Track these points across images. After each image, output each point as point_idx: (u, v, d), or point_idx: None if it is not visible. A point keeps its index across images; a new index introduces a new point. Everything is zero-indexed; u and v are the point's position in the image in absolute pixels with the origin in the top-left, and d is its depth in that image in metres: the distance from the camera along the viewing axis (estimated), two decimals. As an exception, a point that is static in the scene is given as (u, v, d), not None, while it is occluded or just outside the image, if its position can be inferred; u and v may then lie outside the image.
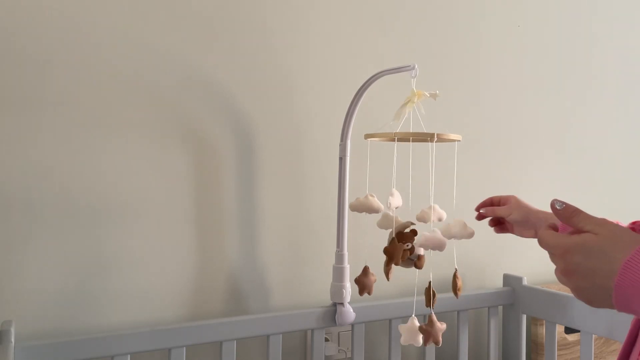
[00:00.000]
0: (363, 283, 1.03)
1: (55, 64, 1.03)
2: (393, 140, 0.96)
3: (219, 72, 1.17)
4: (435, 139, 0.92)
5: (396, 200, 0.96)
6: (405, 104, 0.95)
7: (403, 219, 0.98)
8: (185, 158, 1.14)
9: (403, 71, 0.99)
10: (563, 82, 1.60)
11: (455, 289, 0.97)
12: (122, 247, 1.09)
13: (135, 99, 1.10)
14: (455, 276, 0.97)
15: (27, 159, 1.01)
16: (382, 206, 0.99)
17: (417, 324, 0.98)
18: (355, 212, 0.99)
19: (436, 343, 0.96)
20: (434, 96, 0.94)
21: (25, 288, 1.02)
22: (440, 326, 0.97)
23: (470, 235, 0.94)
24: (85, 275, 1.06)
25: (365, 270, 1.04)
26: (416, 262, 0.99)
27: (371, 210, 0.97)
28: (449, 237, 0.93)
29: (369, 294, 1.04)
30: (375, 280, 1.04)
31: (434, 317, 0.97)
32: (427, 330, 0.96)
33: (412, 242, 0.96)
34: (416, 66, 0.97)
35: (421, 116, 0.96)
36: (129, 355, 1.00)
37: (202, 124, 1.16)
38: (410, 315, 1.00)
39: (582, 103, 1.64)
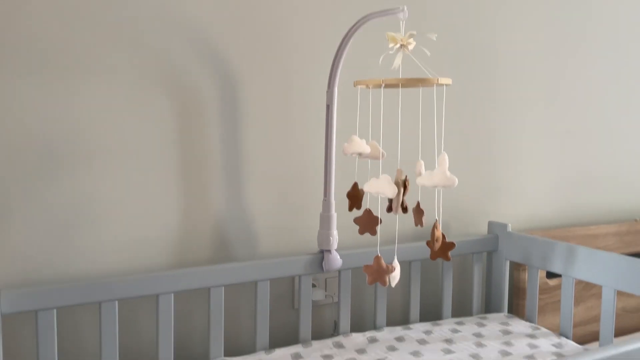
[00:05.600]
0: (364, 222, 1.02)
1: (35, 5, 0.99)
2: (381, 86, 0.94)
3: (202, 16, 1.13)
4: (424, 84, 0.90)
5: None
6: (395, 54, 0.92)
7: (393, 167, 0.98)
8: (169, 105, 1.12)
9: (392, 14, 0.96)
10: (556, 32, 1.58)
11: (433, 240, 0.96)
12: (107, 195, 1.08)
13: (118, 43, 1.06)
14: (434, 227, 0.97)
15: (5, 105, 0.99)
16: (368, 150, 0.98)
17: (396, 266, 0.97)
18: (342, 162, 0.98)
19: (382, 284, 0.96)
20: (412, 37, 0.91)
21: (10, 236, 1.01)
22: (386, 268, 0.95)
23: (452, 183, 0.91)
24: (70, 223, 1.05)
25: (367, 210, 1.02)
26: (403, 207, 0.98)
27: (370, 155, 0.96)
28: (432, 186, 0.92)
29: (372, 234, 1.01)
30: (380, 222, 1.02)
31: (382, 259, 0.96)
32: (373, 269, 0.96)
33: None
34: (406, 8, 0.95)
35: (419, 60, 0.94)
36: (116, 302, 1.01)
37: (186, 69, 1.13)
38: (396, 262, 1.00)
39: (574, 54, 1.62)
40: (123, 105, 1.08)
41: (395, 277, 0.96)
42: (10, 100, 0.99)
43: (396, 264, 0.96)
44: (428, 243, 0.99)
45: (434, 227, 0.96)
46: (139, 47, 1.08)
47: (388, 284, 0.96)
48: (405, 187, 0.95)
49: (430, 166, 0.92)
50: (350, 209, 1.05)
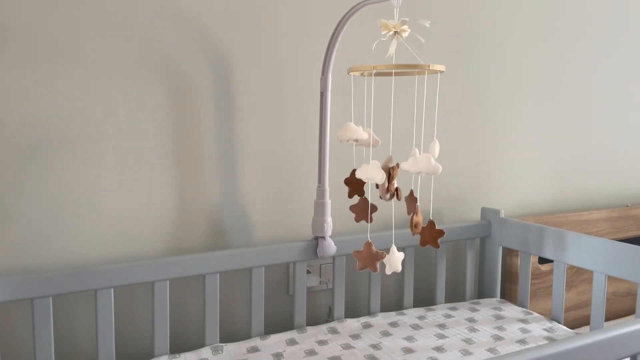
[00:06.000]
0: (359, 209, 1.02)
1: (21, -8, 0.98)
2: (376, 73, 0.94)
3: (195, 3, 1.12)
4: (419, 70, 0.90)
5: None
6: (389, 41, 0.92)
7: (385, 155, 0.98)
8: (162, 92, 1.12)
9: (385, 0, 0.96)
10: (550, 20, 1.58)
11: (412, 226, 0.97)
12: (102, 183, 1.08)
13: (110, 30, 1.05)
14: (413, 214, 0.97)
15: (-3, 92, 0.98)
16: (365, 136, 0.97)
17: (398, 253, 0.98)
18: (336, 149, 0.98)
19: (372, 270, 0.97)
20: (405, 23, 0.91)
21: (5, 225, 1.01)
22: (377, 254, 0.95)
23: (436, 170, 0.91)
24: (65, 212, 1.05)
25: (363, 198, 1.03)
26: (396, 194, 0.99)
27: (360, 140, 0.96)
28: (416, 172, 0.92)
29: (367, 221, 1.01)
30: (376, 209, 1.03)
31: (372, 245, 0.97)
32: (361, 255, 0.96)
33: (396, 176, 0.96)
34: (399, -5, 0.94)
35: (413, 48, 0.94)
36: (112, 289, 1.01)
37: (179, 56, 1.12)
38: (390, 247, 1.01)
39: (567, 43, 1.62)
40: (119, 94, 1.07)
41: (395, 264, 0.96)
42: (4, 90, 0.98)
43: (394, 251, 0.96)
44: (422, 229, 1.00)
45: (414, 212, 0.96)
46: (131, 36, 1.08)
47: (378, 269, 0.97)
48: (390, 174, 0.95)
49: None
50: (350, 195, 1.05)
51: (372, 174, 0.92)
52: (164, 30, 1.10)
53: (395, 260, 0.96)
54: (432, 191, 1.03)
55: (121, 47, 1.07)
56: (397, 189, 0.99)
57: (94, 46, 1.05)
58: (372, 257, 0.96)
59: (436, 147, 0.92)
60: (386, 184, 0.95)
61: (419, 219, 0.96)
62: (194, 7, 1.13)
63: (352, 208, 1.03)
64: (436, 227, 0.98)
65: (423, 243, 0.99)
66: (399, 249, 0.97)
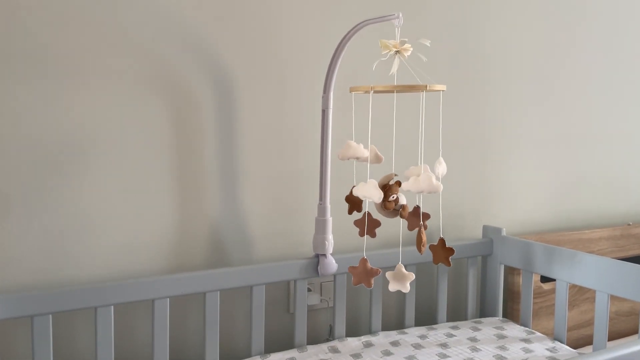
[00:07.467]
0: (363, 224, 1.02)
1: (30, 10, 0.99)
2: (377, 92, 0.95)
3: (198, 21, 1.14)
4: (421, 90, 0.90)
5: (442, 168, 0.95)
6: (392, 60, 0.93)
7: (387, 171, 0.98)
8: (164, 109, 1.12)
9: (387, 20, 0.97)
10: (550, 39, 1.59)
11: (419, 244, 0.97)
12: (103, 199, 1.08)
13: (113, 47, 1.06)
14: (420, 231, 0.98)
15: (1, 111, 0.98)
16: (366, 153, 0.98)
17: (404, 271, 0.98)
18: (337, 166, 0.98)
19: (367, 285, 0.98)
20: (404, 43, 0.92)
21: (6, 241, 1.01)
22: (371, 270, 0.97)
23: (437, 189, 0.91)
24: (65, 228, 1.05)
25: (367, 213, 1.03)
26: (400, 211, 0.99)
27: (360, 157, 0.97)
28: (417, 192, 0.92)
29: (372, 236, 1.02)
30: (379, 225, 1.03)
31: (367, 262, 0.98)
32: (356, 272, 0.97)
33: (397, 193, 0.96)
34: (401, 15, 0.95)
35: (416, 66, 0.95)
36: (112, 307, 1.01)
37: (181, 74, 1.13)
38: (393, 266, 1.01)
39: (567, 60, 1.63)
40: (118, 109, 1.08)
41: (403, 285, 0.96)
42: (5, 105, 0.99)
43: (402, 270, 0.96)
44: (431, 247, 1.00)
45: (420, 231, 0.96)
46: (135, 53, 1.09)
47: (373, 285, 0.98)
48: (385, 193, 0.95)
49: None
50: (350, 212, 1.06)
51: (368, 192, 0.93)
52: (168, 49, 1.11)
53: (403, 280, 0.96)
54: (438, 209, 1.03)
55: (126, 64, 1.08)
56: (402, 206, 0.99)
57: (101, 64, 1.06)
58: (367, 273, 0.97)
59: (441, 167, 0.93)
60: (381, 202, 0.96)
61: (425, 237, 0.97)
62: (198, 25, 1.14)
63: (356, 223, 1.03)
64: (446, 245, 0.98)
65: (436, 261, 1.00)
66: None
